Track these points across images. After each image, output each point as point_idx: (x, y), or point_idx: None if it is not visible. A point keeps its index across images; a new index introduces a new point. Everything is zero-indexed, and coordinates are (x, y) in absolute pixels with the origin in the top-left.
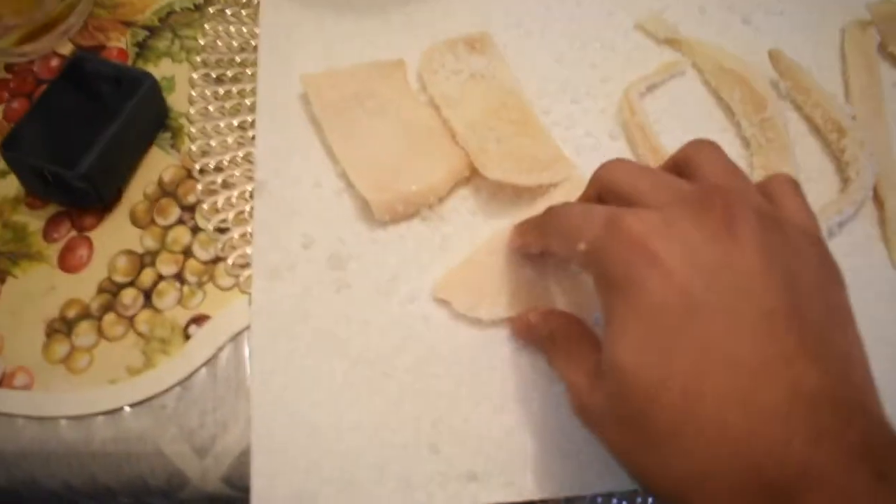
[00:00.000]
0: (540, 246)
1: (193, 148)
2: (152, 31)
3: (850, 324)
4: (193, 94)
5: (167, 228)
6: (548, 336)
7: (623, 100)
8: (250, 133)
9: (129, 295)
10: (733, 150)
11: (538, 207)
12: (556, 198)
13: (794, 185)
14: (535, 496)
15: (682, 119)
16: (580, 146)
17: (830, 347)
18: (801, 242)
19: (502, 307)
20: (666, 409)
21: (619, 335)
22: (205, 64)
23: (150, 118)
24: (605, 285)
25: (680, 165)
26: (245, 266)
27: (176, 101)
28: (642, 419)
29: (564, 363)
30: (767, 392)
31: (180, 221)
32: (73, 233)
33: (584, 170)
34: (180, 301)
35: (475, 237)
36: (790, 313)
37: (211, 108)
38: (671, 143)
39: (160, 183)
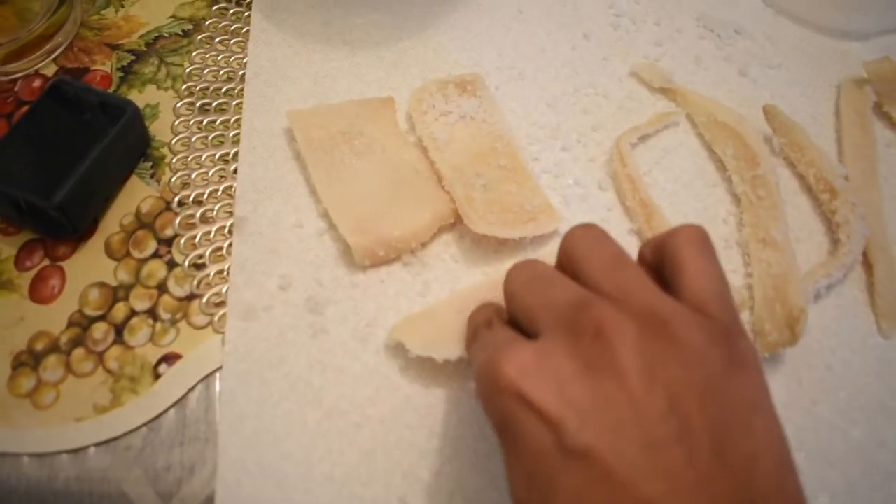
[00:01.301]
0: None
1: (174, 179)
2: (138, 56)
3: (756, 414)
4: (177, 123)
5: (143, 262)
6: None
7: (614, 150)
8: (232, 166)
9: (99, 329)
10: (723, 206)
11: (521, 256)
12: (539, 249)
13: (698, 245)
14: None
15: (672, 172)
16: (568, 196)
17: (729, 456)
18: (693, 336)
19: (456, 348)
20: None
21: (508, 475)
22: (190, 92)
23: (131, 147)
24: (492, 428)
25: (564, 261)
26: (220, 305)
27: (159, 129)
28: None
29: None
30: None
31: (156, 255)
32: (46, 262)
33: (571, 220)
34: (152, 338)
35: (456, 284)
36: (676, 439)
37: (194, 138)
38: (661, 196)
39: (138, 214)
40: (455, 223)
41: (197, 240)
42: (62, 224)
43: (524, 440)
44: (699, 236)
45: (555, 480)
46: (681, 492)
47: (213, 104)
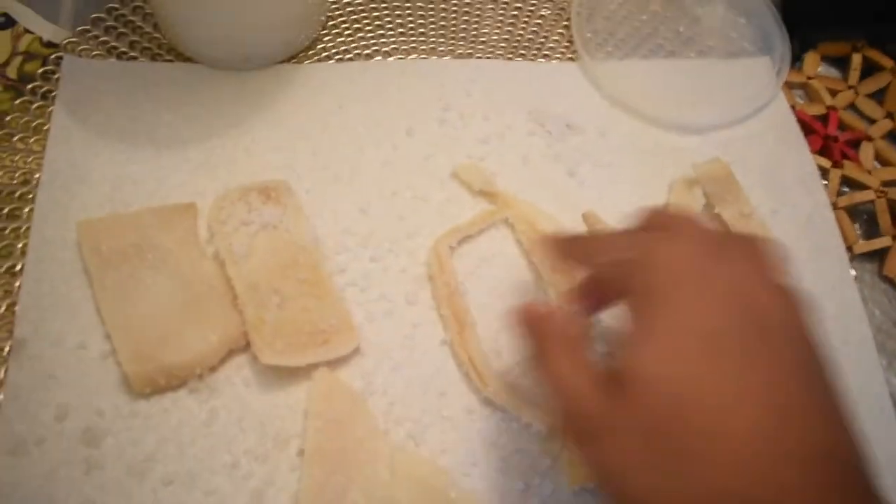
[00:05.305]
0: (581, 261)
1: None
2: None
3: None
4: None
5: None
6: (546, 334)
7: (432, 253)
8: (17, 281)
9: None
10: None
11: (318, 377)
12: (337, 369)
13: None
14: None
15: (488, 282)
16: (373, 311)
17: (846, 417)
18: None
19: None
20: (691, 427)
21: (647, 346)
22: None
23: None
24: (641, 297)
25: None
26: None
27: None
28: (660, 434)
29: (564, 367)
30: (793, 436)
31: None
32: None
33: (373, 340)
34: None
35: (245, 412)
36: (819, 371)
37: None
38: (473, 308)
39: None
40: (247, 345)
41: None
42: None
43: (691, 315)
44: None
45: (712, 361)
46: (818, 414)
47: (6, 210)
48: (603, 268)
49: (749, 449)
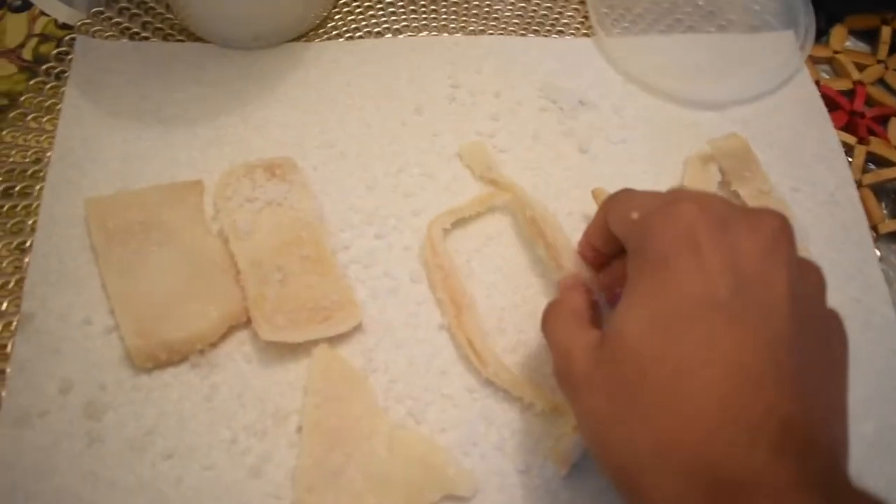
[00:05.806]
0: (600, 228)
1: None
2: None
3: (844, 384)
4: None
5: None
6: (553, 306)
7: (426, 236)
8: (28, 258)
9: None
10: (546, 301)
11: (319, 353)
12: (338, 346)
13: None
14: None
15: (493, 261)
16: (377, 288)
17: (821, 396)
18: (820, 299)
19: None
20: (653, 384)
21: (634, 306)
22: None
23: None
24: (640, 257)
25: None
26: None
27: None
28: (628, 388)
29: (562, 329)
30: (749, 401)
31: None
32: None
33: (377, 316)
34: None
35: (245, 388)
36: (798, 348)
37: None
38: (478, 288)
39: None
40: (249, 321)
41: None
42: None
43: (676, 281)
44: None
45: (687, 325)
46: (784, 386)
47: (17, 188)
48: (617, 226)
49: (703, 408)
